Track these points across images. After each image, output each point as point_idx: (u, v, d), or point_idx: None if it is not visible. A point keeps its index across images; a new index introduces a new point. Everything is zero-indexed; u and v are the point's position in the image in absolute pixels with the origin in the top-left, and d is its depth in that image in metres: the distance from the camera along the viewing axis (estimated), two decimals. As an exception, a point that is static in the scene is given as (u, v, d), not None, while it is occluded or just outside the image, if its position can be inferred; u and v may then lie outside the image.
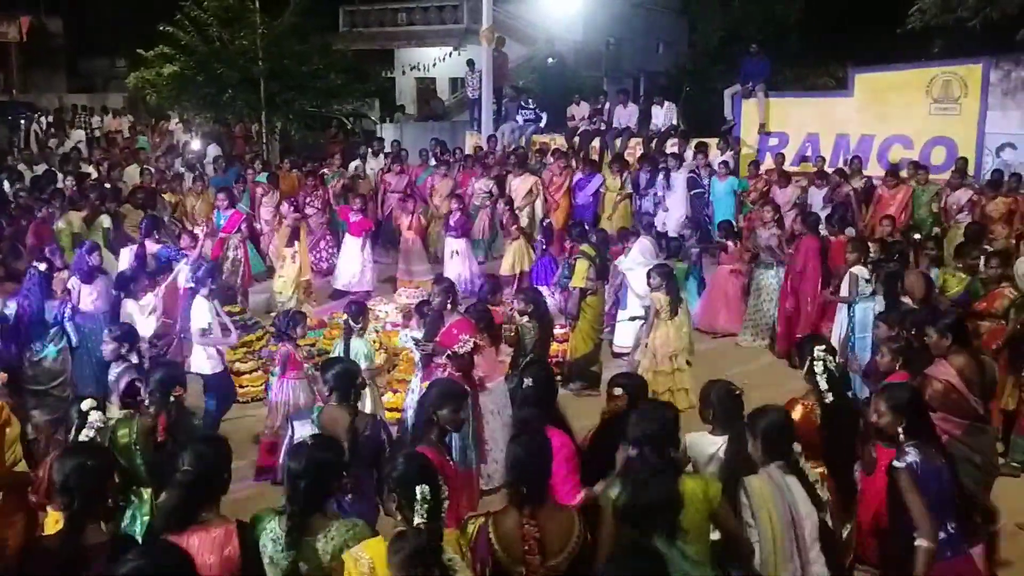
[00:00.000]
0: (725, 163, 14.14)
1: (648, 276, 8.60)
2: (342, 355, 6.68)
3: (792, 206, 12.67)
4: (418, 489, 3.32)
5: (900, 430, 4.16)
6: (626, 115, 17.10)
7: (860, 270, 8.52)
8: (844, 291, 8.62)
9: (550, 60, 21.21)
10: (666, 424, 4.07)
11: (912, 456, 4.08)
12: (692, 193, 13.87)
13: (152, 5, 18.43)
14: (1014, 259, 8.25)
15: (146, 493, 4.63)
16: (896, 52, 16.05)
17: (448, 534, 3.48)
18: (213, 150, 18.18)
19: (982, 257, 8.14)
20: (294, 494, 3.58)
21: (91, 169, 15.21)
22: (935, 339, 5.59)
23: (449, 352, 6.39)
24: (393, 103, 25.81)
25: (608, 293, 9.79)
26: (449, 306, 6.76)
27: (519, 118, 18.22)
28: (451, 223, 12.27)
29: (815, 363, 4.99)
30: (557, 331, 9.07)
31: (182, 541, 3.37)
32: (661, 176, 14.03)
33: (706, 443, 4.59)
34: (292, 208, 11.46)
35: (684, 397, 8.11)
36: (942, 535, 4.03)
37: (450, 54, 25.06)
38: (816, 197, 13.07)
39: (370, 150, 16.68)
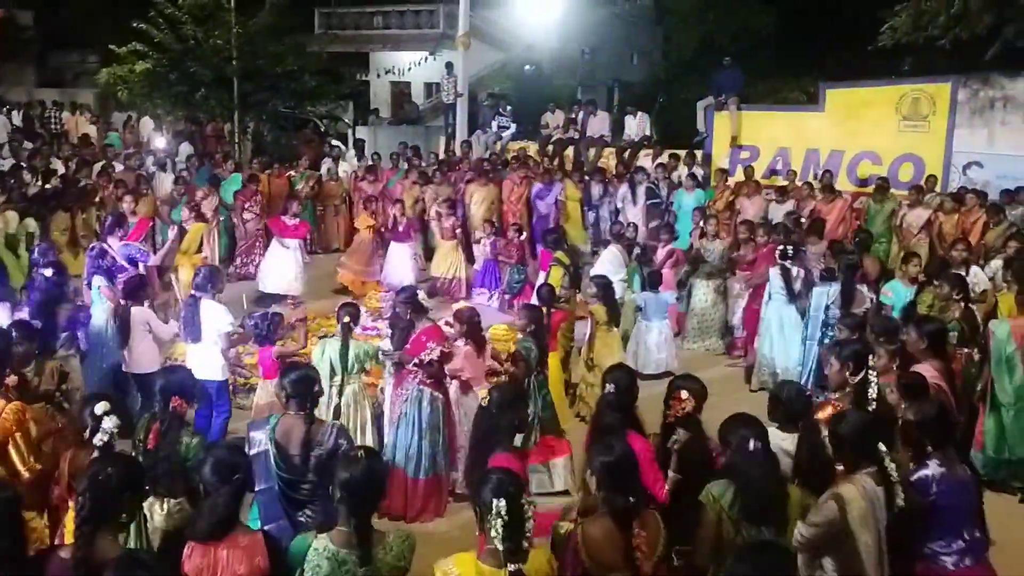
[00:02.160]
0: (692, 176, 14.07)
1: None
2: (337, 358, 6.60)
3: (759, 219, 12.62)
4: (494, 503, 3.26)
5: (927, 442, 4.24)
6: (598, 124, 17.15)
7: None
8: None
9: (527, 67, 21.22)
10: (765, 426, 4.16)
11: (931, 469, 4.16)
12: (648, 203, 13.90)
13: (125, 1, 18.23)
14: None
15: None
16: (867, 69, 16.25)
17: (537, 549, 3.42)
18: (186, 148, 18.00)
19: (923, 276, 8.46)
20: (355, 506, 3.45)
21: (59, 165, 14.99)
22: (913, 338, 5.75)
23: (416, 361, 6.39)
24: (367, 106, 25.71)
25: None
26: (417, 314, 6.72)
27: (494, 124, 18.24)
28: (399, 228, 12.11)
29: (870, 372, 5.09)
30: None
31: (213, 552, 3.41)
32: (625, 187, 14.05)
33: (777, 438, 4.60)
34: (194, 213, 10.85)
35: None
36: (960, 543, 4.12)
37: (425, 59, 25.03)
38: (778, 212, 13.02)
39: (343, 152, 16.59)
